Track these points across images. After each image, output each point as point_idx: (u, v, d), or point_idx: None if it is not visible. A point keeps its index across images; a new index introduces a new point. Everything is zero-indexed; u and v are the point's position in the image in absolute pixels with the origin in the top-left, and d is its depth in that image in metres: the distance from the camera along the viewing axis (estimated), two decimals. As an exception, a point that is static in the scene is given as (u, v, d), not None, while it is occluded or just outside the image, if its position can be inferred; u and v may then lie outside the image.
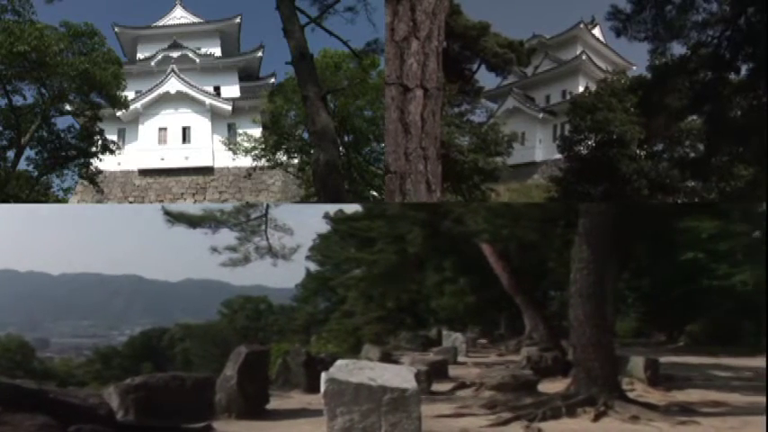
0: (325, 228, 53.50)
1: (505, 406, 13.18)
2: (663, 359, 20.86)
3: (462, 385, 16.71)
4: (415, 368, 13.58)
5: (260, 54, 64.26)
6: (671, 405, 14.27)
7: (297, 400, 14.34)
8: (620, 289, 39.00)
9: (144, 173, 60.88)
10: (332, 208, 46.55)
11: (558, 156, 50.38)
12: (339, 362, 8.90)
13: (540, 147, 68.67)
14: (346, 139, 37.26)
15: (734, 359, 26.89)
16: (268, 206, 21.35)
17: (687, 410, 13.59)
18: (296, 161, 39.99)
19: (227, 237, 21.05)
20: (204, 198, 58.11)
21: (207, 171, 60.24)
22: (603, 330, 14.78)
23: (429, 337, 30.43)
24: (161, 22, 69.00)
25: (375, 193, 36.36)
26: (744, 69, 27.22)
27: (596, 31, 73.46)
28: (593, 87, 47.37)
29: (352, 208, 43.21)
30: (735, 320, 34.17)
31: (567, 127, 48.17)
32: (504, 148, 42.62)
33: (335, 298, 55.07)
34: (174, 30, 65.98)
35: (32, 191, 36.36)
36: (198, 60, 63.31)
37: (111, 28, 64.87)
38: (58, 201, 41.62)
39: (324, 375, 8.25)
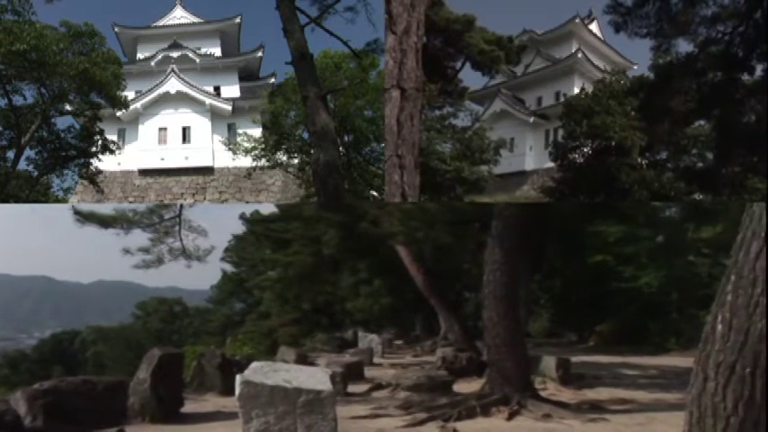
0: (240, 229, 53.22)
1: (421, 406, 13.23)
2: (574, 359, 21.29)
3: (378, 386, 16.70)
4: (330, 370, 13.54)
5: (260, 54, 63.43)
6: (581, 403, 14.57)
7: (212, 402, 14.11)
8: (532, 290, 39.74)
9: (144, 173, 60.02)
10: (248, 209, 46.20)
11: (551, 164, 45.71)
12: (254, 364, 8.80)
13: (531, 154, 62.42)
14: (346, 139, 36.40)
15: (640, 358, 27.68)
16: (182, 207, 21.03)
17: (597, 408, 13.92)
18: (296, 161, 38.84)
19: (139, 238, 20.64)
20: (204, 198, 57.44)
21: (207, 171, 59.47)
22: (516, 331, 15.00)
23: (345, 339, 30.37)
24: (161, 23, 67.69)
25: (375, 193, 35.54)
26: (759, 69, 24.92)
27: (593, 27, 67.41)
28: (589, 88, 42.75)
29: (268, 209, 42.96)
30: (641, 321, 35.15)
31: (561, 132, 43.65)
32: (491, 155, 39.51)
33: (251, 300, 54.75)
34: (174, 30, 64.90)
35: (32, 191, 35.81)
36: (198, 60, 62.47)
37: (110, 28, 63.78)
38: (57, 201, 41.11)
39: (239, 378, 8.15)
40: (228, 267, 60.40)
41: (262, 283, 48.15)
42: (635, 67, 61.08)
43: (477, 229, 21.21)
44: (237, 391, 8.03)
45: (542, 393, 15.00)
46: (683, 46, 26.38)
